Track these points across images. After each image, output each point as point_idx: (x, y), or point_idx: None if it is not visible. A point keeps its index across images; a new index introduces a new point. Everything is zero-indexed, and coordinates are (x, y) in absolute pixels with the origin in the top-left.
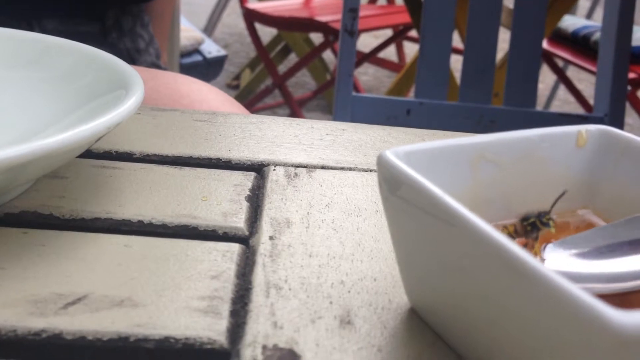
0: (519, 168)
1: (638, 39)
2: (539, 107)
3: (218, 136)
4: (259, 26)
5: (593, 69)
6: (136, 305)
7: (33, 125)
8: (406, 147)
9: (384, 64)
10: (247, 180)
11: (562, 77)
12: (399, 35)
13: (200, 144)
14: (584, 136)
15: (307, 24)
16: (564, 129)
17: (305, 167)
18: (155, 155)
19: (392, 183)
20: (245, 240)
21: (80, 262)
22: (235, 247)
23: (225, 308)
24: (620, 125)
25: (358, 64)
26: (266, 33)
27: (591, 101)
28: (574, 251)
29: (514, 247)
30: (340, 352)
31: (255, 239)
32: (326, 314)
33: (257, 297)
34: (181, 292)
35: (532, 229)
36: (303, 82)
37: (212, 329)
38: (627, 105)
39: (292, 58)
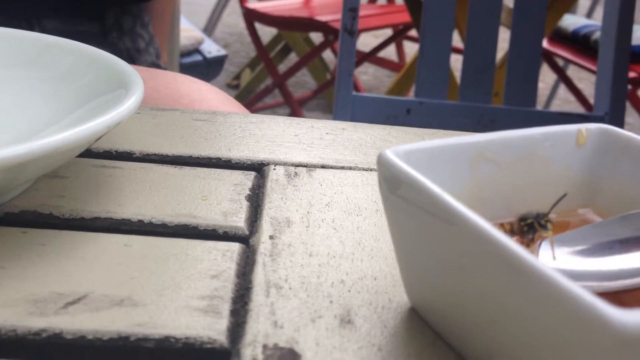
0: (519, 167)
1: (638, 38)
2: (539, 106)
3: (218, 135)
4: (259, 26)
5: (593, 68)
6: (136, 304)
7: (33, 125)
8: (406, 146)
9: (384, 63)
10: (247, 179)
11: (562, 77)
12: (399, 35)
13: (200, 143)
14: (584, 135)
15: (307, 24)
16: (564, 127)
17: (305, 166)
18: (155, 154)
19: (392, 182)
20: (246, 239)
21: (80, 262)
22: (236, 247)
23: (226, 307)
24: (620, 124)
25: (358, 63)
26: (266, 33)
27: (591, 100)
28: (567, 248)
29: (514, 245)
30: (341, 351)
31: (256, 238)
32: (326, 313)
33: (258, 297)
34: (181, 292)
35: (528, 229)
36: (303, 82)
37: (213, 328)
38: (628, 105)
39: (292, 58)
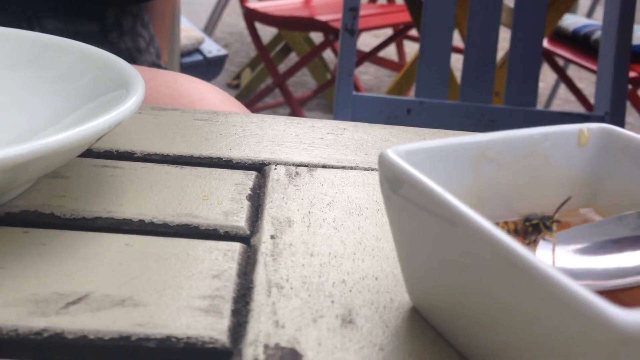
0: (521, 167)
1: (639, 37)
2: (540, 106)
3: (219, 135)
4: (259, 25)
5: (594, 67)
6: (137, 304)
7: (34, 125)
8: (407, 145)
9: (385, 63)
10: (248, 179)
11: (563, 76)
12: (399, 35)
13: (201, 143)
14: (585, 135)
15: (308, 23)
16: (565, 127)
17: (306, 166)
18: (156, 154)
19: (393, 182)
20: (247, 239)
21: (81, 262)
22: (237, 246)
23: (227, 307)
24: (621, 124)
25: (358, 63)
26: (266, 32)
27: (592, 100)
28: (566, 247)
29: (516, 245)
30: (342, 351)
31: (257, 238)
32: (328, 313)
33: (259, 296)
34: (182, 292)
35: (533, 230)
36: (303, 82)
37: (214, 328)
38: (628, 104)
39: (293, 57)
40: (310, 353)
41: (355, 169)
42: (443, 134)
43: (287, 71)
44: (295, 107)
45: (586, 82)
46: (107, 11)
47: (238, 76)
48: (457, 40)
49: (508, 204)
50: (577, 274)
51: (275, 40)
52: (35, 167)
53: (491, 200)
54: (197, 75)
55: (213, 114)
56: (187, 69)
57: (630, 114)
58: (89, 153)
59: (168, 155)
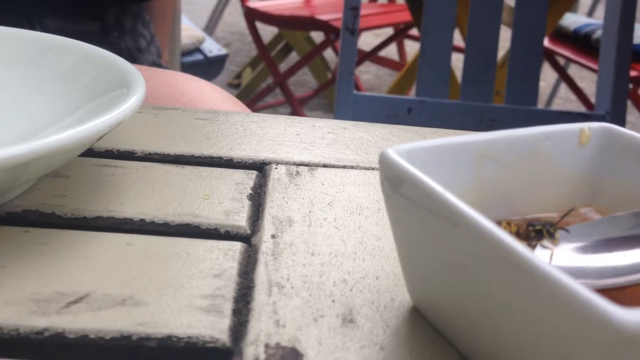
0: (522, 166)
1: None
2: (541, 105)
3: (219, 135)
4: (260, 25)
5: (594, 67)
6: (138, 304)
7: (34, 124)
8: (408, 145)
9: (385, 62)
10: (248, 178)
11: (564, 75)
12: (399, 34)
13: (202, 142)
14: (586, 134)
15: (308, 23)
16: (566, 126)
17: (307, 165)
18: (156, 153)
19: (394, 181)
20: (247, 238)
21: (82, 261)
22: (237, 246)
23: (228, 307)
24: (621, 123)
25: (359, 62)
26: (267, 32)
27: (592, 99)
28: (563, 246)
29: (517, 245)
30: (343, 351)
31: (257, 237)
32: (328, 313)
33: (260, 296)
34: (183, 291)
35: (536, 235)
36: (304, 81)
37: (215, 327)
38: (629, 103)
39: (293, 57)
40: (311, 352)
41: (356, 169)
42: (444, 133)
43: (287, 70)
44: (296, 107)
45: (587, 81)
46: (108, 11)
47: (239, 75)
48: (458, 39)
49: (509, 203)
50: (572, 273)
51: (276, 39)
52: (36, 166)
53: (492, 199)
54: (197, 75)
55: (214, 114)
56: (187, 68)
57: (631, 113)
58: (90, 152)
59: (169, 155)
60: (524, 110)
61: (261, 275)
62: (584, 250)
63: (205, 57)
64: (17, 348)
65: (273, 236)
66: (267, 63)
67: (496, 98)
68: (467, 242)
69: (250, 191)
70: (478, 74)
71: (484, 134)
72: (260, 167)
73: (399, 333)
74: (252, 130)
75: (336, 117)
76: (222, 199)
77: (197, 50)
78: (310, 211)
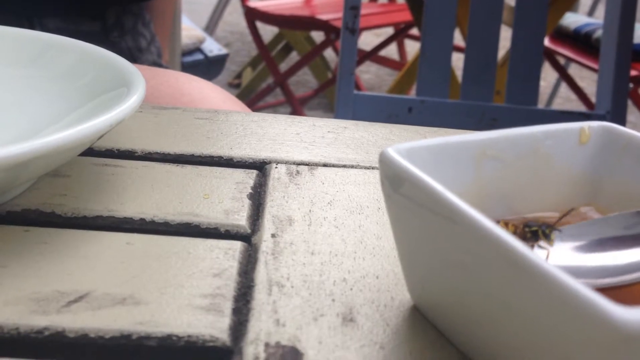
0: (522, 165)
1: None
2: (541, 104)
3: (220, 134)
4: (260, 25)
5: (595, 66)
6: (138, 303)
7: (34, 124)
8: (408, 144)
9: (386, 62)
10: (249, 178)
11: (564, 75)
12: (400, 33)
13: (202, 142)
14: (586, 133)
15: (308, 22)
16: (566, 125)
17: (307, 164)
18: (156, 153)
19: (394, 180)
20: (248, 238)
21: (82, 260)
22: (237, 245)
23: (228, 306)
24: (622, 122)
25: (359, 62)
26: (267, 31)
27: (593, 99)
28: (561, 245)
29: (517, 244)
30: (343, 350)
31: (258, 236)
32: (328, 312)
33: (260, 295)
34: (183, 290)
35: (532, 236)
36: (304, 81)
37: (215, 326)
38: (629, 103)
39: (294, 56)
40: (311, 351)
41: (356, 168)
42: (444, 133)
43: (288, 70)
44: (296, 106)
45: (587, 80)
46: (108, 10)
47: (239, 75)
48: (458, 39)
49: (509, 202)
50: (569, 272)
51: (276, 39)
52: (36, 165)
53: (492, 198)
54: (198, 75)
55: (214, 113)
56: (188, 68)
57: (632, 112)
58: (90, 152)
59: (169, 154)
60: (525, 109)
61: (261, 275)
62: (581, 249)
63: (206, 56)
64: (17, 347)
65: (273, 235)
66: (268, 63)
67: (496, 98)
68: (467, 241)
69: (250, 190)
70: (478, 74)
71: (484, 133)
72: (261, 167)
73: (399, 332)
74: (252, 130)
75: (336, 117)
76: (222, 198)
77: (198, 50)
78: (310, 210)
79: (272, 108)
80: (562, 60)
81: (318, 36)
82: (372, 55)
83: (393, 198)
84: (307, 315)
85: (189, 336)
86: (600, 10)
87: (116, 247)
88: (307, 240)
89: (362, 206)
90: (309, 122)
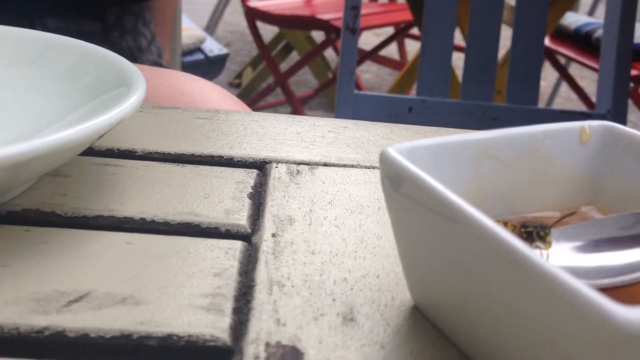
0: (522, 164)
1: None
2: (541, 104)
3: (220, 134)
4: (260, 24)
5: (595, 66)
6: (139, 302)
7: (35, 123)
8: (409, 143)
9: (386, 62)
10: (249, 177)
11: (565, 75)
12: (400, 33)
13: (202, 141)
14: (587, 132)
15: (309, 22)
16: (567, 125)
17: (307, 164)
18: (157, 152)
19: (394, 180)
20: (248, 237)
21: (82, 260)
22: (238, 245)
23: (228, 305)
24: (622, 122)
25: (360, 62)
26: (268, 31)
27: (593, 98)
28: (559, 245)
29: (517, 243)
30: (343, 349)
31: (258, 236)
32: (329, 311)
33: (260, 295)
34: (184, 290)
35: (527, 237)
36: (305, 81)
37: (215, 326)
38: (630, 103)
39: (294, 56)
40: (312, 351)
41: (356, 167)
42: (444, 132)
43: (288, 70)
44: (297, 106)
45: (588, 80)
46: (109, 10)
47: (239, 75)
48: (459, 38)
49: (509, 201)
50: (574, 272)
51: (277, 39)
52: (36, 165)
53: (492, 198)
54: (198, 74)
55: (214, 113)
56: (188, 67)
57: (632, 112)
58: (90, 151)
59: (169, 154)
60: (525, 109)
61: (262, 274)
62: (578, 250)
63: (206, 56)
64: (17, 347)
65: (273, 235)
66: (268, 62)
67: (497, 97)
68: (467, 240)
69: (250, 190)
70: (479, 73)
71: (485, 132)
72: (261, 166)
73: (399, 332)
74: (253, 129)
75: (337, 117)
76: (223, 197)
77: (198, 49)
78: (310, 210)
79: (273, 108)
80: (562, 60)
81: (318, 36)
82: (373, 55)
83: (393, 197)
84: (308, 315)
85: (189, 336)
86: (601, 10)
87: (116, 247)
88: (308, 239)
89: (363, 206)
90: (309, 122)
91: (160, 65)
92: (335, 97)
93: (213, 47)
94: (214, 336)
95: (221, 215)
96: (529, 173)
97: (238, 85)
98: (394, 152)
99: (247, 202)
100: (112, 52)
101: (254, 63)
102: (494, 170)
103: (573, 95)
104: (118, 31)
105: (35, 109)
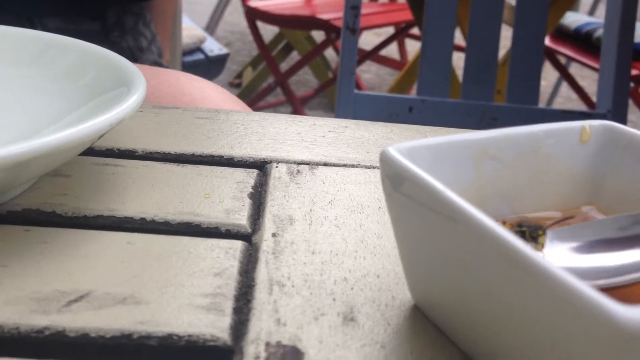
0: (523, 164)
1: None
2: (542, 104)
3: (220, 134)
4: (260, 24)
5: (596, 65)
6: (139, 302)
7: (35, 123)
8: (409, 143)
9: (386, 61)
10: (249, 177)
11: (565, 74)
12: (400, 33)
13: (203, 141)
14: (587, 131)
15: (309, 22)
16: (567, 124)
17: (307, 164)
18: (157, 152)
19: (395, 179)
20: (248, 237)
21: (82, 260)
22: (238, 244)
23: (228, 305)
24: (623, 122)
25: (360, 61)
26: (268, 31)
27: (594, 98)
28: (558, 245)
29: (518, 242)
30: (344, 349)
31: (258, 236)
32: (329, 311)
33: (260, 294)
34: (184, 290)
35: (521, 237)
36: (305, 80)
37: (215, 326)
38: (630, 102)
39: (294, 56)
40: (312, 351)
41: (356, 167)
42: (445, 132)
43: (288, 70)
44: (297, 106)
45: (588, 80)
46: (109, 10)
47: (240, 75)
48: (459, 38)
49: (509, 201)
50: (573, 272)
51: (277, 39)
52: (36, 165)
53: (492, 197)
54: (198, 74)
55: (214, 113)
56: (188, 67)
57: (633, 112)
58: (91, 151)
59: (169, 154)
60: (525, 109)
61: (262, 274)
62: (576, 251)
63: (206, 56)
64: (17, 347)
65: (274, 235)
66: (268, 62)
67: (497, 97)
68: (468, 239)
69: (251, 190)
70: (479, 73)
71: (485, 132)
72: (261, 166)
73: (400, 331)
74: (253, 129)
75: (337, 116)
76: (223, 197)
77: (198, 49)
78: (311, 210)
79: (273, 107)
80: (562, 60)
81: (319, 36)
82: (373, 54)
83: (394, 197)
84: (308, 315)
85: (189, 336)
86: (601, 10)
87: (117, 247)
88: (308, 239)
89: (363, 205)
90: (309, 122)
91: (160, 65)
92: (336, 97)
93: (213, 47)
94: (214, 336)
95: (221, 215)
96: (529, 173)
97: (238, 85)
98: (394, 152)
99: (247, 202)
100: (112, 52)
101: (254, 63)
102: (494, 170)
103: (573, 95)
104: (118, 31)
105: (35, 109)
